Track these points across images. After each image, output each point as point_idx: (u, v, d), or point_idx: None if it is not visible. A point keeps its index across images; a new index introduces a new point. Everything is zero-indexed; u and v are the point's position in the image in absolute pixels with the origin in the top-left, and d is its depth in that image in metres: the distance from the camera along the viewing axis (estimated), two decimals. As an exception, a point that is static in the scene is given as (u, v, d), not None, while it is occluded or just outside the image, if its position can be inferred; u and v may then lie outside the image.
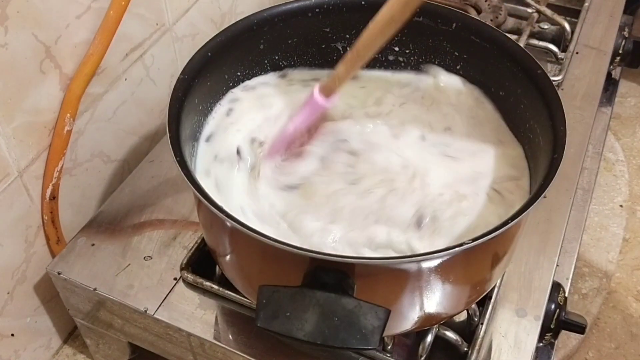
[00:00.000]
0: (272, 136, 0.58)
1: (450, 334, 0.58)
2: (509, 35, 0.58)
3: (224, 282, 0.60)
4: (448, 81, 0.62)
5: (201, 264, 0.65)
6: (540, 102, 0.52)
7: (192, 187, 0.46)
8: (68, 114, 0.66)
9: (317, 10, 0.60)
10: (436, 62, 0.62)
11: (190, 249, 0.65)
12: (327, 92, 0.55)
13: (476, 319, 0.60)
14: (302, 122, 0.56)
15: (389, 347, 0.58)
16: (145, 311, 0.61)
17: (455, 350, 0.59)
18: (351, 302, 0.41)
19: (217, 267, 0.63)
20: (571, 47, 0.88)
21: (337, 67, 0.54)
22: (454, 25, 0.58)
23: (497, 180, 0.54)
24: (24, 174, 0.65)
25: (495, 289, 0.61)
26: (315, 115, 0.57)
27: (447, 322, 0.58)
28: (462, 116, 0.60)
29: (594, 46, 0.90)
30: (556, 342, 0.65)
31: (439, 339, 0.58)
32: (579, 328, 0.63)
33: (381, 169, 0.55)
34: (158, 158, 0.75)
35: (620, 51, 0.93)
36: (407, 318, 0.50)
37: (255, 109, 0.60)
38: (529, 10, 0.92)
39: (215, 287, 0.62)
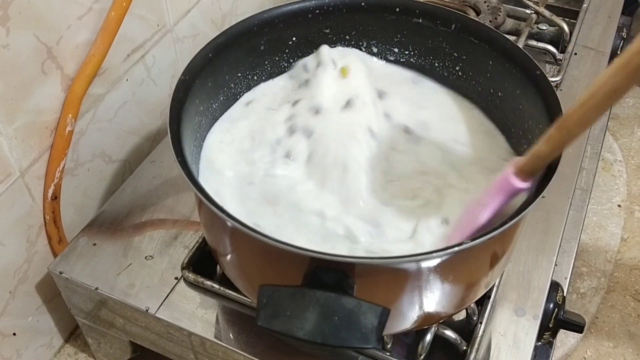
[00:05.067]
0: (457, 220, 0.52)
1: (449, 333, 0.59)
2: (507, 36, 0.58)
3: (225, 282, 0.60)
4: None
5: (202, 264, 0.65)
6: (539, 103, 0.52)
7: (193, 187, 0.46)
8: (70, 115, 0.66)
9: (317, 11, 0.61)
10: (435, 63, 0.63)
11: (191, 249, 0.66)
12: (525, 174, 0.47)
13: (475, 318, 0.60)
14: (496, 208, 0.49)
15: (389, 346, 0.58)
16: (147, 310, 0.62)
17: (454, 349, 0.59)
18: (351, 302, 0.41)
19: (218, 266, 0.63)
20: (570, 48, 0.88)
21: (537, 145, 0.46)
22: (453, 26, 0.59)
23: None
24: (25, 174, 0.65)
25: (494, 289, 0.62)
26: (510, 200, 0.49)
27: (447, 321, 0.59)
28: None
29: (592, 47, 0.90)
30: (555, 341, 0.65)
31: (438, 338, 0.59)
32: (577, 327, 0.63)
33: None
34: (159, 158, 0.76)
35: (619, 52, 0.93)
36: (407, 317, 0.50)
37: None
38: (528, 11, 0.93)
39: (216, 286, 0.62)
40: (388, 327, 0.42)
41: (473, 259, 0.49)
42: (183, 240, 0.67)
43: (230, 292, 0.62)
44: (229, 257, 0.53)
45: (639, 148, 1.09)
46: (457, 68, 0.62)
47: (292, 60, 0.64)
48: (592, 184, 0.82)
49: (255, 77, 0.63)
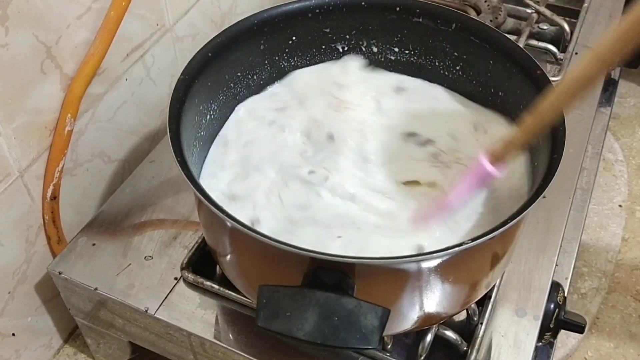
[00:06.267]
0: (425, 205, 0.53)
1: (449, 334, 0.59)
2: (508, 35, 0.58)
3: (225, 282, 0.60)
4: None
5: (201, 264, 0.65)
6: (540, 103, 0.52)
7: (193, 188, 0.46)
8: (69, 114, 0.66)
9: (317, 11, 0.60)
10: (436, 63, 0.62)
11: (191, 249, 0.66)
12: (497, 159, 0.49)
13: (476, 319, 0.60)
14: (467, 192, 0.51)
15: (389, 346, 0.58)
16: (146, 311, 0.61)
17: (454, 350, 0.59)
18: (351, 302, 0.41)
19: (218, 266, 0.63)
20: (570, 48, 0.88)
21: (512, 132, 0.48)
22: (454, 25, 0.58)
23: None
24: (24, 174, 0.65)
25: (495, 289, 0.61)
26: (481, 185, 0.51)
27: (447, 321, 0.58)
28: None
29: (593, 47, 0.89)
30: (555, 341, 0.65)
31: (439, 339, 0.59)
32: (578, 328, 0.63)
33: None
34: (158, 158, 0.75)
35: (620, 51, 0.93)
36: (407, 318, 0.50)
37: None
38: (529, 10, 0.93)
39: (216, 286, 0.62)
40: (388, 327, 0.42)
41: (474, 259, 0.48)
42: (182, 240, 0.67)
43: (229, 292, 0.62)
44: (228, 257, 0.52)
45: (640, 148, 1.09)
46: (457, 67, 0.61)
47: (291, 60, 0.63)
48: (593, 184, 0.82)
49: (255, 77, 0.62)
